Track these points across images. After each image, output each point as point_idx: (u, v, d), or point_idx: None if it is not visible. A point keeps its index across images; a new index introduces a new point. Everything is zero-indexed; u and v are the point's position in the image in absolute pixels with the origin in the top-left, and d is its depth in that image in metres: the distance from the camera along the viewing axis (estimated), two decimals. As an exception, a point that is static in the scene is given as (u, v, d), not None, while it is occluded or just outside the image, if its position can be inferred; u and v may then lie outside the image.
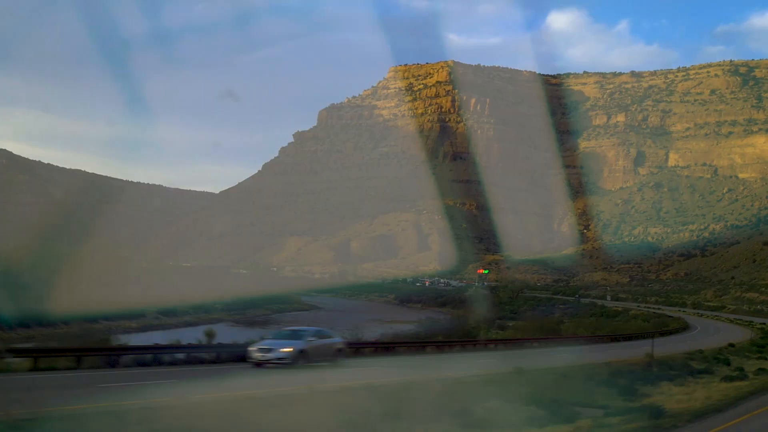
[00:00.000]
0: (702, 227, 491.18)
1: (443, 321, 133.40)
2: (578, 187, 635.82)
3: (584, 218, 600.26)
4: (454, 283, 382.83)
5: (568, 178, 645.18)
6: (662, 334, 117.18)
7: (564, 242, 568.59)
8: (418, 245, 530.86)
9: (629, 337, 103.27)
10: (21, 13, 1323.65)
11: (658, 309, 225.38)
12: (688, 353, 63.70)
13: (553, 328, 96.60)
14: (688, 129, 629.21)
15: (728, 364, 57.67)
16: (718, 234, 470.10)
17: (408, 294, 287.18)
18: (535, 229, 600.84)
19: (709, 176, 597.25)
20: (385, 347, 62.81)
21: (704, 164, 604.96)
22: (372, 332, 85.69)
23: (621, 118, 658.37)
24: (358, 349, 59.38)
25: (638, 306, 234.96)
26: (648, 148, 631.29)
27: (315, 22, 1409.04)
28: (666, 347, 76.60)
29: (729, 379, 43.76)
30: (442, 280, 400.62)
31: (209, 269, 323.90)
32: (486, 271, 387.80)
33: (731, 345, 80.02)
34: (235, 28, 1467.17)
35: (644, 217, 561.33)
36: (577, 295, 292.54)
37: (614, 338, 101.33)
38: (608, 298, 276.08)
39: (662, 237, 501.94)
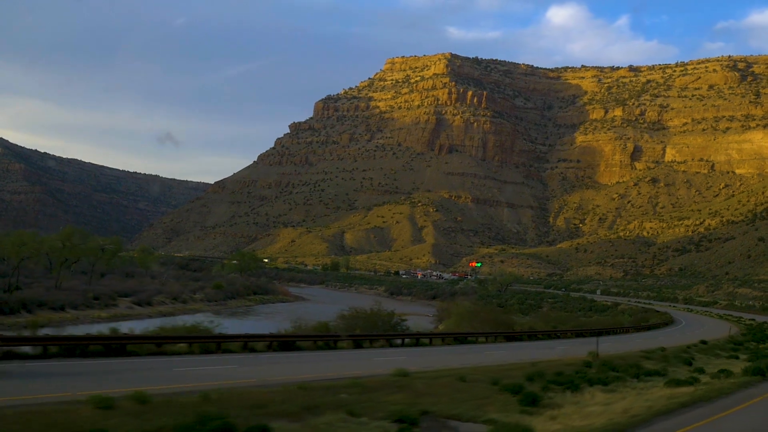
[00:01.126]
0: (698, 222, 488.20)
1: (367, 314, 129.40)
2: (574, 181, 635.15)
3: (580, 212, 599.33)
4: (446, 276, 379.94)
5: (564, 172, 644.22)
6: (640, 329, 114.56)
7: (559, 236, 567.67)
8: (412, 237, 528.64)
9: (598, 333, 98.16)
10: (19, 2, 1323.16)
11: (649, 304, 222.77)
12: (646, 352, 58.99)
13: (506, 323, 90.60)
14: (685, 124, 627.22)
15: (690, 364, 51.53)
16: (713, 229, 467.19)
17: (398, 286, 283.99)
18: (531, 222, 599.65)
19: (705, 171, 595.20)
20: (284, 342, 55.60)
21: (701, 159, 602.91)
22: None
23: (618, 112, 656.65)
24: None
25: (629, 301, 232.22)
26: (645, 142, 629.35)
27: (312, 13, 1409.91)
28: (631, 344, 74.33)
29: (675, 383, 38.31)
30: (434, 273, 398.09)
31: (197, 260, 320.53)
32: (479, 264, 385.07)
33: (703, 342, 74.51)
34: (233, 20, 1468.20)
35: (640, 212, 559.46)
36: (564, 289, 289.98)
37: (579, 333, 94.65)
38: (598, 292, 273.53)
39: (657, 232, 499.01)
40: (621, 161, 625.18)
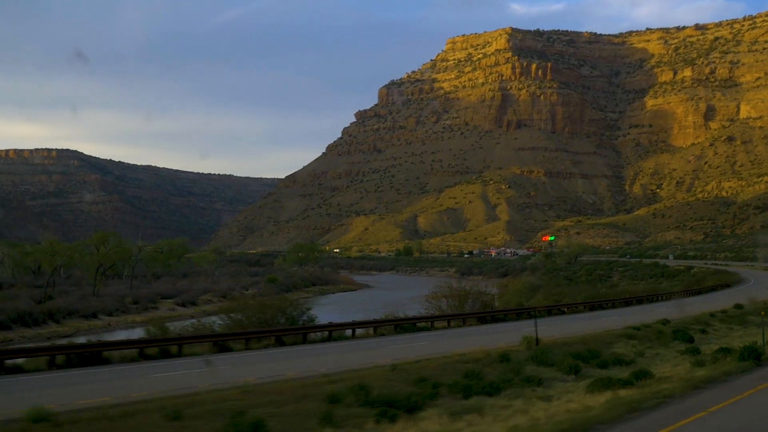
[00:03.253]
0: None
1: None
2: (648, 147, 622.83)
3: (656, 177, 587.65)
4: (521, 252, 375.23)
5: (637, 138, 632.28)
6: (691, 293, 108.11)
7: (636, 203, 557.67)
8: (486, 216, 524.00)
9: (626, 302, 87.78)
10: (89, 15, 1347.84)
11: (725, 265, 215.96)
12: (639, 327, 49.86)
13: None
14: (758, 79, 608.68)
15: (691, 340, 44.70)
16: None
17: (469, 266, 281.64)
18: (606, 191, 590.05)
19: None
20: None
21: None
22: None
23: (688, 72, 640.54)
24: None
25: (705, 263, 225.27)
26: (718, 101, 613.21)
27: (371, 1, 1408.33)
28: (640, 316, 60.35)
29: (603, 385, 28.10)
30: (508, 250, 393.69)
31: (269, 256, 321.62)
32: (552, 238, 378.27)
33: (738, 306, 67.78)
34: (294, 16, 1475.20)
35: (718, 172, 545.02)
36: (628, 256, 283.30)
37: (595, 306, 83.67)
38: (671, 257, 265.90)
39: (737, 191, 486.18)
40: (694, 122, 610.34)
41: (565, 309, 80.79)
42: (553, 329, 52.67)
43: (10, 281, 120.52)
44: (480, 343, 43.53)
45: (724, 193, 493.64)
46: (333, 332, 55.50)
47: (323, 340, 54.83)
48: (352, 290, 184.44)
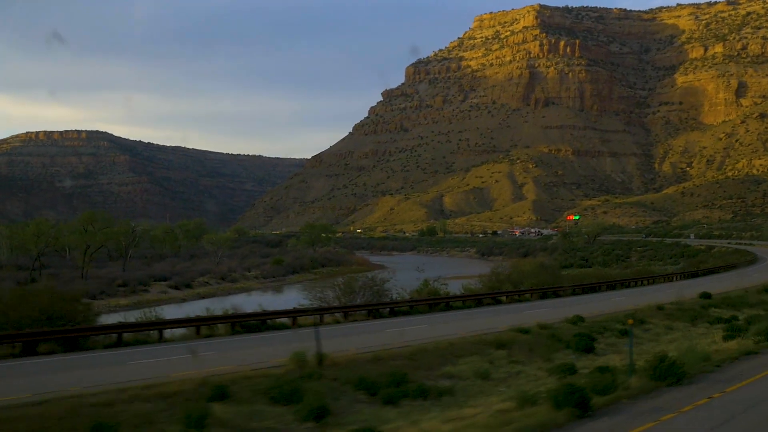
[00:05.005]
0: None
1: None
2: (678, 124, 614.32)
3: (686, 155, 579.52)
4: (545, 232, 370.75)
5: (666, 116, 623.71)
6: (687, 276, 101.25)
7: (666, 182, 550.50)
8: (512, 196, 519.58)
9: (593, 287, 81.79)
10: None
11: (750, 245, 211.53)
12: (521, 329, 38.03)
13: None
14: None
15: (589, 350, 34.47)
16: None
17: (490, 246, 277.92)
18: (635, 170, 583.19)
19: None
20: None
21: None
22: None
23: (719, 48, 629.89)
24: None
25: (728, 243, 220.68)
26: (750, 77, 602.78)
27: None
28: (558, 311, 51.25)
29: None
30: (532, 230, 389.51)
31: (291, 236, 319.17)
32: (577, 218, 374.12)
33: (705, 295, 59.78)
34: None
35: (749, 150, 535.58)
36: (645, 236, 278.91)
37: (544, 294, 72.71)
38: (692, 236, 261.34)
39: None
40: (725, 99, 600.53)
41: (504, 298, 68.60)
42: (417, 332, 42.88)
43: (3, 262, 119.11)
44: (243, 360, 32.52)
45: (755, 171, 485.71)
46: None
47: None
48: (366, 271, 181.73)
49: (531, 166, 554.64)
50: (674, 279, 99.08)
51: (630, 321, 29.59)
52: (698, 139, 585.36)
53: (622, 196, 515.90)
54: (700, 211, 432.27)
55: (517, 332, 37.21)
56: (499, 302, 67.20)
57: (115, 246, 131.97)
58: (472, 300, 65.16)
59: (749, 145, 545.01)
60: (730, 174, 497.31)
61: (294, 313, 51.28)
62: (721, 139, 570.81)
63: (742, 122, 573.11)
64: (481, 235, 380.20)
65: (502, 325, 41.73)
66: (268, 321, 48.25)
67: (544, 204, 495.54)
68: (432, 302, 61.18)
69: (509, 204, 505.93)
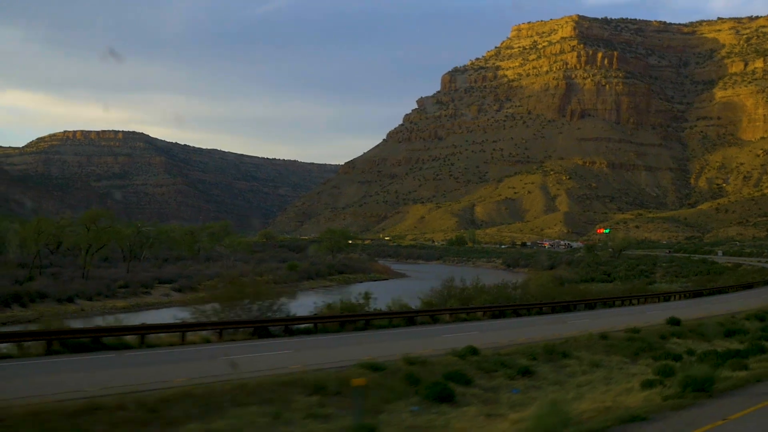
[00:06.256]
0: None
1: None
2: (716, 139, 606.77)
3: (723, 171, 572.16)
4: (575, 245, 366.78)
5: (704, 131, 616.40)
6: (695, 294, 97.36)
7: (701, 197, 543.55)
8: (544, 207, 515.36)
9: (568, 306, 74.10)
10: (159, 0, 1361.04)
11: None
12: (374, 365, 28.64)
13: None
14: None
15: (445, 398, 25.12)
16: None
17: (516, 258, 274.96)
18: (671, 185, 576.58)
19: None
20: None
21: None
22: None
23: (760, 63, 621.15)
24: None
25: (759, 261, 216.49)
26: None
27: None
28: (477, 337, 44.54)
29: None
30: (562, 242, 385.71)
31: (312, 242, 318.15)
32: (607, 231, 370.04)
33: (673, 321, 51.35)
34: (361, 2, 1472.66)
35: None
36: (668, 251, 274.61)
37: (494, 314, 63.77)
38: (720, 254, 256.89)
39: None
40: (765, 115, 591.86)
41: (447, 316, 60.19)
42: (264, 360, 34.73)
43: (9, 259, 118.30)
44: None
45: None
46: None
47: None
48: (383, 279, 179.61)
49: (564, 177, 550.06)
50: (672, 298, 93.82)
51: (361, 381, 20.01)
52: (736, 154, 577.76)
53: (655, 211, 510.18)
54: (734, 228, 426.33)
55: (368, 369, 27.57)
56: (436, 321, 59.32)
57: (128, 247, 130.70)
58: (402, 318, 56.64)
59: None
60: (766, 191, 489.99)
61: (142, 330, 41.74)
62: (759, 156, 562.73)
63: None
64: (503, 246, 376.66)
65: (386, 353, 34.20)
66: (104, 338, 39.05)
67: (576, 217, 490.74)
68: (345, 320, 52.24)
69: (541, 215, 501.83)
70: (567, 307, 74.41)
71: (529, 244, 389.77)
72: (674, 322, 52.07)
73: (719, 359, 33.42)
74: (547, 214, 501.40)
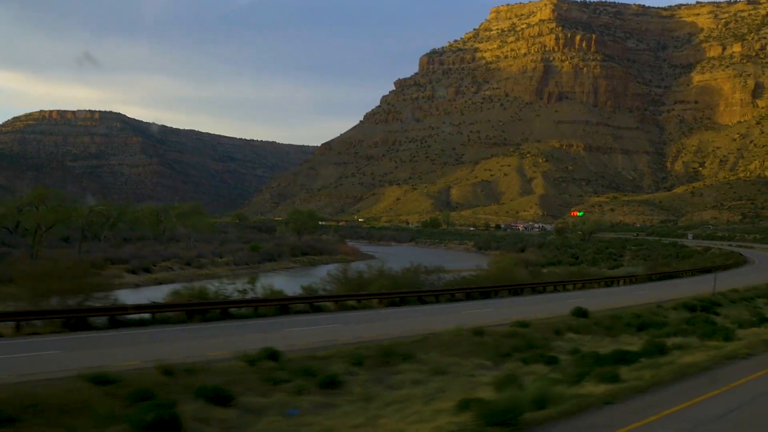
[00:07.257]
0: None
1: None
2: (692, 123, 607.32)
3: (699, 155, 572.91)
4: (549, 227, 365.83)
5: (681, 114, 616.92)
6: (647, 279, 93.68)
7: (678, 181, 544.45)
8: (521, 190, 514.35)
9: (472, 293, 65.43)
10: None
11: (749, 248, 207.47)
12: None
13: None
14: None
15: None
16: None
17: (488, 240, 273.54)
18: (647, 168, 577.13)
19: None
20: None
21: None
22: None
23: (737, 48, 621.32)
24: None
25: (729, 245, 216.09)
26: (767, 78, 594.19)
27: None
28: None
29: None
30: (536, 225, 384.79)
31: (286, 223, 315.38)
32: (581, 214, 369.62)
33: (578, 313, 46.64)
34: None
35: (763, 152, 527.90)
36: (636, 234, 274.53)
37: (392, 301, 57.49)
38: (690, 237, 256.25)
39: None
40: (741, 99, 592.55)
41: (330, 304, 53.61)
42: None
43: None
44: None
45: (767, 173, 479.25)
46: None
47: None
48: (350, 261, 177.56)
49: (541, 160, 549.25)
50: (615, 284, 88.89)
51: None
52: (712, 138, 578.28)
53: (630, 194, 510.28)
54: (709, 212, 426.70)
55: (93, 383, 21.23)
56: (319, 310, 51.90)
57: (83, 227, 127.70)
58: (272, 306, 49.29)
59: (763, 146, 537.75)
60: (742, 175, 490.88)
61: None
62: (735, 140, 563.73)
63: (758, 123, 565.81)
64: (471, 229, 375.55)
65: (184, 353, 28.57)
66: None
67: (552, 199, 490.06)
68: (193, 309, 44.30)
69: (517, 198, 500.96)
70: (487, 294, 66.79)
71: (503, 226, 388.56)
72: (580, 313, 46.65)
73: (595, 364, 27.66)
74: (523, 197, 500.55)
